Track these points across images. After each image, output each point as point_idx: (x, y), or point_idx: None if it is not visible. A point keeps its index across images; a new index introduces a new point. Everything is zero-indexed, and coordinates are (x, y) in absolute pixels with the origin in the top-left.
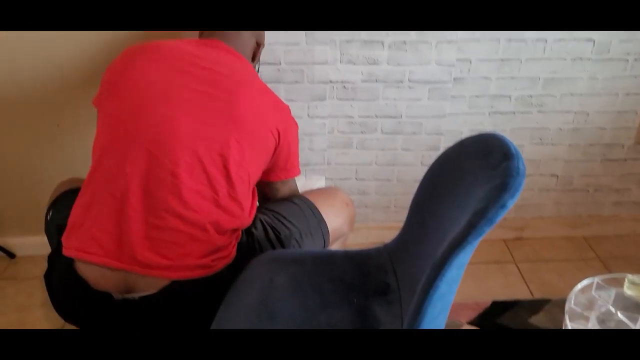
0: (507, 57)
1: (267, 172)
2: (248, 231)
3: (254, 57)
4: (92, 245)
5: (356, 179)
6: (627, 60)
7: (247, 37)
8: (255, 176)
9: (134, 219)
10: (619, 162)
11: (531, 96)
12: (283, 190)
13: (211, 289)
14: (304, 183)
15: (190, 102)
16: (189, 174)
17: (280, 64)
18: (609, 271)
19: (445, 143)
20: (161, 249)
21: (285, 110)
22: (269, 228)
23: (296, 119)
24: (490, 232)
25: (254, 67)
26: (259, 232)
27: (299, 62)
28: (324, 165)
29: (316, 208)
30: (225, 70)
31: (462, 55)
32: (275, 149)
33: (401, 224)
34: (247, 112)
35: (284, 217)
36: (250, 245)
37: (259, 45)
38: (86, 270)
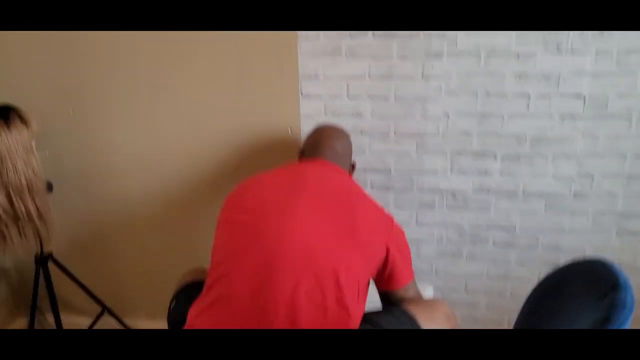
0: (636, 173)
1: (387, 281)
2: None
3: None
4: None
5: (465, 291)
6: None
7: (346, 157)
8: (364, 283)
9: (244, 324)
10: None
11: None
12: (406, 296)
13: None
14: None
15: (306, 215)
16: (301, 282)
17: (390, 172)
18: None
19: (565, 260)
20: None
21: (391, 220)
22: None
23: (404, 226)
24: None
25: None
26: None
27: (409, 171)
28: (431, 274)
29: (416, 321)
30: (336, 186)
31: (582, 170)
32: (386, 259)
33: None
34: (360, 225)
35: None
36: None
37: (352, 166)
38: None
